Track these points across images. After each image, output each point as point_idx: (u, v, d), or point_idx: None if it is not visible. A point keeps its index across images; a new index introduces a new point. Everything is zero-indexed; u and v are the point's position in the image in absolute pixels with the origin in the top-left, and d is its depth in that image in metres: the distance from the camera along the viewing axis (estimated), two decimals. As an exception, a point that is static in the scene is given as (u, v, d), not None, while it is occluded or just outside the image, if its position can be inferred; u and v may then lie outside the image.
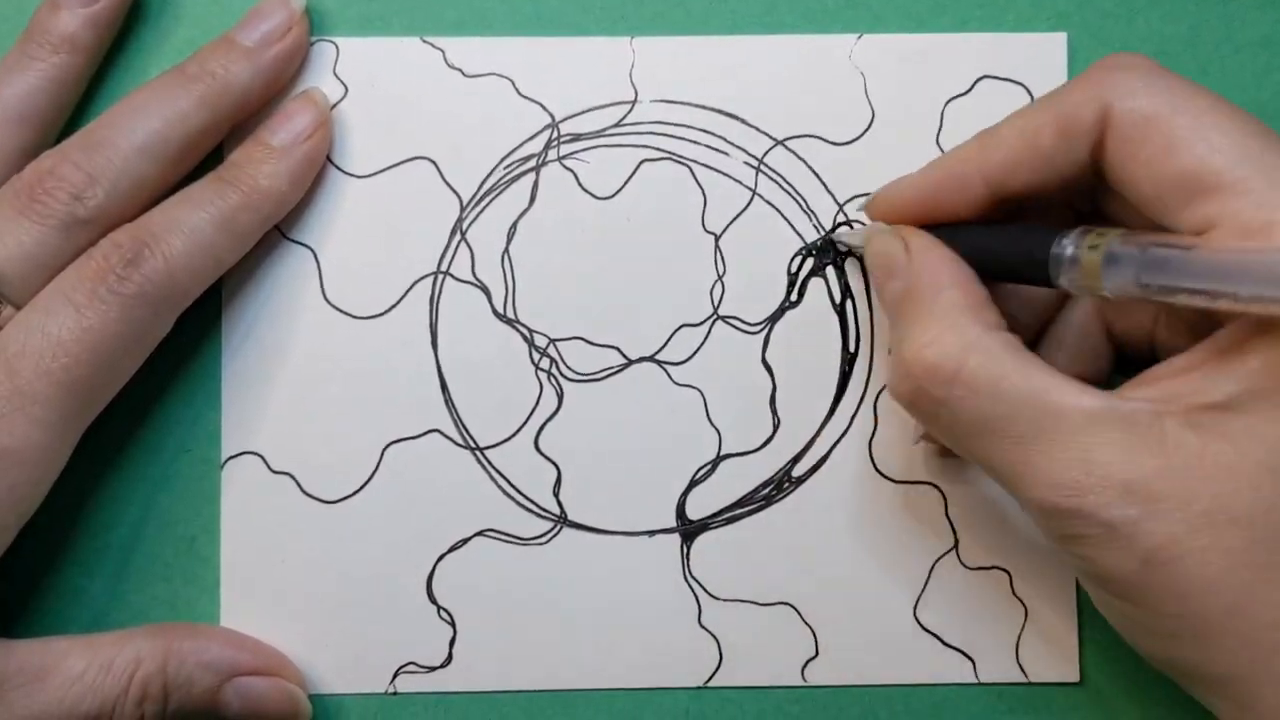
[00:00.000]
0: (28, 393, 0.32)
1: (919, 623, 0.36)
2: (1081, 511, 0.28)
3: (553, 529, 0.37)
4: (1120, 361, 0.35)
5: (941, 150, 0.37)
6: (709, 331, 0.37)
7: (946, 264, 0.32)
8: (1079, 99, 0.31)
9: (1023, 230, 0.32)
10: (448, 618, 0.36)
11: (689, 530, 0.37)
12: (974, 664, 0.36)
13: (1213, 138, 0.29)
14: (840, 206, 0.37)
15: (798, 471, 0.37)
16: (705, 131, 0.37)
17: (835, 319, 0.37)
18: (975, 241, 0.33)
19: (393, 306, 0.37)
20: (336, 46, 0.37)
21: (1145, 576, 0.28)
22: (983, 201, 0.33)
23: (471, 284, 0.37)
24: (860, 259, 0.37)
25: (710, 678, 0.36)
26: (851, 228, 0.37)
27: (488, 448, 0.37)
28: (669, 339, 0.37)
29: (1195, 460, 0.28)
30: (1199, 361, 0.29)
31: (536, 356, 0.37)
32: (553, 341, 0.37)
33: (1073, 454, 0.28)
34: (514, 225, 0.37)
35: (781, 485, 0.37)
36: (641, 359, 0.37)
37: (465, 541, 0.36)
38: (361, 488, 0.36)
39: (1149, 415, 0.28)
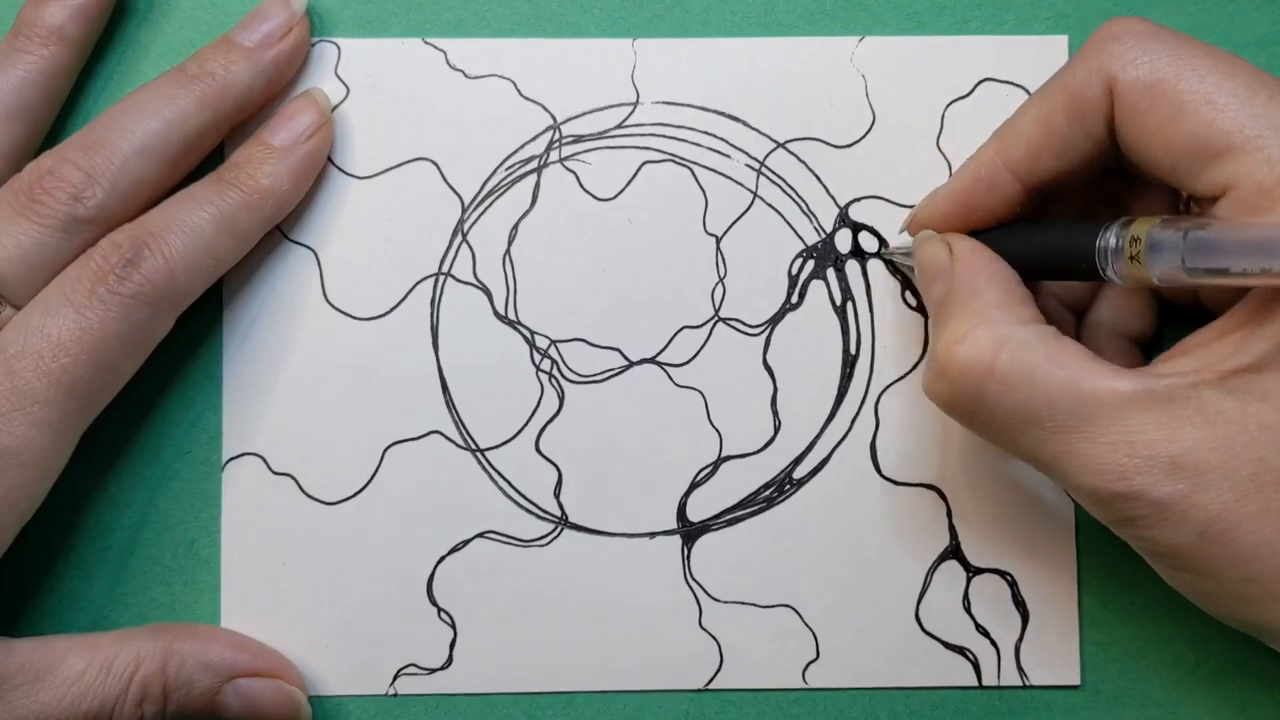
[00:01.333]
0: (27, 393, 0.32)
1: (920, 625, 0.36)
2: (1130, 494, 0.28)
3: (553, 531, 0.37)
4: (1169, 311, 0.36)
5: (942, 154, 0.37)
6: (710, 333, 0.37)
7: (986, 265, 0.32)
8: (1082, 76, 0.31)
9: (1066, 227, 0.32)
10: (448, 619, 0.36)
11: (690, 532, 0.37)
12: (975, 667, 0.36)
13: (1218, 98, 0.29)
14: (841, 209, 0.37)
15: (799, 473, 0.37)
16: (707, 133, 0.37)
17: (836, 321, 0.37)
18: (1021, 243, 0.33)
19: (394, 308, 0.37)
20: (338, 47, 0.37)
21: (1204, 548, 0.28)
22: (1018, 196, 0.33)
23: (473, 285, 0.37)
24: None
25: (711, 680, 0.36)
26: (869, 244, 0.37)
27: (489, 449, 0.37)
28: (670, 341, 0.37)
29: (1237, 425, 0.28)
30: (1230, 328, 0.29)
31: (537, 358, 0.37)
32: (554, 343, 0.37)
33: (1114, 437, 0.28)
34: (515, 227, 0.37)
35: (782, 487, 0.37)
36: (643, 361, 0.37)
37: (466, 543, 0.36)
38: (362, 489, 0.36)
39: (1185, 387, 0.28)
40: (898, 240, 0.37)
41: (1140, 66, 0.30)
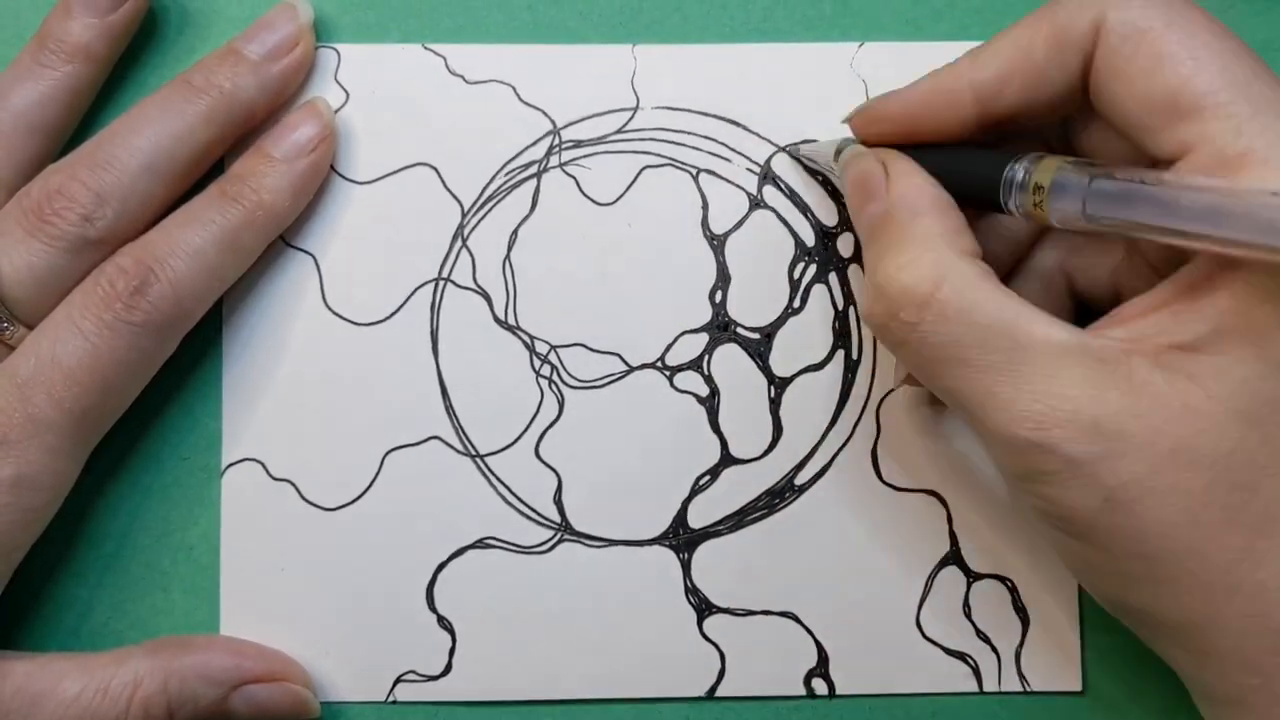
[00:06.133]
0: (41, 421, 0.32)
1: (921, 631, 0.36)
2: (1045, 445, 0.27)
3: (553, 537, 0.36)
4: (1084, 316, 0.34)
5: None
6: (710, 338, 0.37)
7: (926, 189, 0.31)
8: (1074, 8, 0.30)
9: (983, 153, 0.31)
10: (447, 626, 0.36)
11: (690, 538, 0.37)
12: (976, 673, 0.36)
13: (1202, 56, 0.28)
14: (843, 212, 0.37)
15: (800, 480, 0.37)
16: (707, 138, 0.37)
17: (838, 325, 0.37)
18: (940, 163, 0.32)
19: (393, 313, 0.37)
20: (338, 53, 0.37)
21: (1105, 516, 0.27)
22: (970, 120, 0.31)
23: (472, 290, 0.37)
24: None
25: (712, 688, 0.36)
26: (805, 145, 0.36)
27: (488, 455, 0.37)
28: (670, 346, 0.37)
29: (1162, 400, 0.27)
30: (1167, 299, 0.28)
31: (537, 363, 0.37)
32: (554, 348, 0.37)
33: (1040, 386, 0.28)
34: (515, 232, 0.37)
35: (783, 494, 0.37)
36: (643, 366, 0.37)
37: (465, 550, 0.36)
38: (362, 495, 0.36)
39: (1118, 353, 0.28)
40: (824, 138, 0.36)
41: (1133, 9, 0.29)
